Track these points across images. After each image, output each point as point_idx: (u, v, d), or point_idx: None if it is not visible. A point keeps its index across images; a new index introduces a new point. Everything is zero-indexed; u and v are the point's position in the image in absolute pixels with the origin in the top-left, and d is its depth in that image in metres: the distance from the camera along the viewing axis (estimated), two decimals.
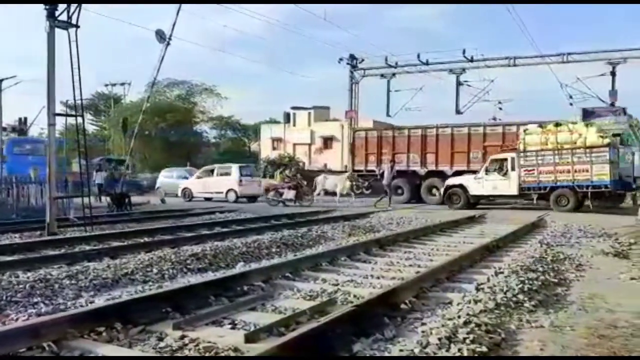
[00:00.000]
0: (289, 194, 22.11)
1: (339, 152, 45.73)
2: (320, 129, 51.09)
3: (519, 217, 15.25)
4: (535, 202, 19.49)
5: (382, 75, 32.90)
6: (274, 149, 51.06)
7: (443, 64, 30.97)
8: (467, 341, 4.01)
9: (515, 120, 23.64)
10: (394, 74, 32.54)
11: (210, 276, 7.01)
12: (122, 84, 50.68)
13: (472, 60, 29.81)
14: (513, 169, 19.28)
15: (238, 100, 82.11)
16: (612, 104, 27.32)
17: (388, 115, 33.85)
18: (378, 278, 6.87)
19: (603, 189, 18.03)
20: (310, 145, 50.51)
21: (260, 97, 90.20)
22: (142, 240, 10.39)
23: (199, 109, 52.67)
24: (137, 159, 38.67)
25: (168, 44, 18.63)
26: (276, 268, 6.98)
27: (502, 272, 6.77)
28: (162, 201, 23.69)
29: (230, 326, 4.73)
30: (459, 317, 4.57)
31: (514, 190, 19.31)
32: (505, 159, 19.70)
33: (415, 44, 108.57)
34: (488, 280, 6.38)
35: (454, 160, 23.56)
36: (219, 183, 25.04)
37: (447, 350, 3.89)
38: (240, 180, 24.51)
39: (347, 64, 33.59)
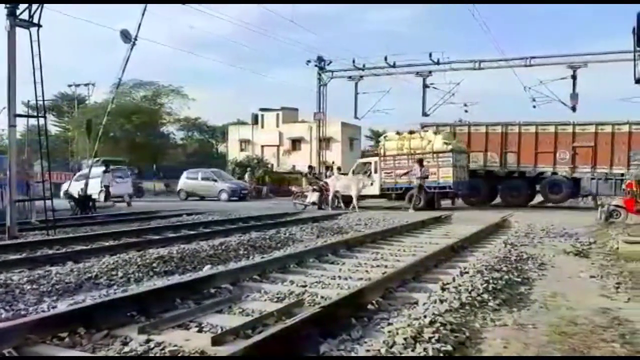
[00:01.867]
0: (313, 197, 21.19)
1: (307, 153, 45.87)
2: (288, 130, 51.24)
3: (483, 218, 15.52)
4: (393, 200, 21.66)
5: (349, 77, 33.01)
6: (242, 150, 50.93)
7: (410, 67, 31.23)
8: (433, 340, 4.07)
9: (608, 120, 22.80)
10: (361, 76, 32.68)
11: (176, 279, 6.93)
12: (87, 85, 49.80)
13: (438, 63, 30.15)
14: (376, 171, 21.33)
15: (205, 102, 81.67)
16: (574, 107, 28.07)
17: (356, 117, 34.01)
18: (345, 279, 6.90)
19: (447, 190, 20.49)
20: (278, 146, 50.57)
21: (228, 98, 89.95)
22: (106, 244, 10.21)
23: (166, 110, 52.17)
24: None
25: (134, 44, 18.38)
26: (243, 270, 6.95)
27: (467, 272, 6.89)
28: (128, 204, 23.35)
29: (196, 329, 4.69)
30: (424, 316, 4.63)
31: (376, 191, 21.41)
32: (370, 163, 22.23)
33: (383, 47, 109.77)
34: (453, 280, 6.48)
35: (537, 160, 22.73)
36: (94, 184, 25.16)
37: (413, 350, 3.94)
38: (112, 181, 25.44)
39: (315, 65, 33.61)
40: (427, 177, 20.05)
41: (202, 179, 30.16)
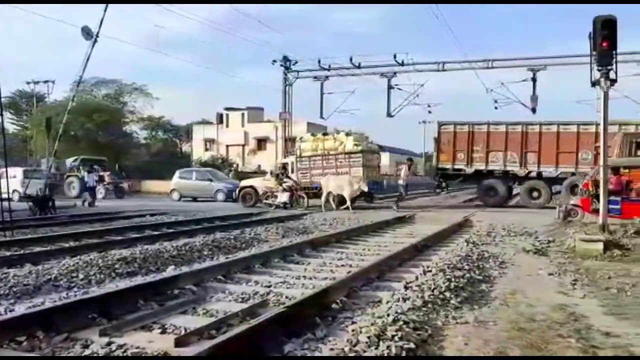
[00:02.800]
0: (283, 197, 20.81)
1: (273, 153, 45.76)
2: (254, 130, 51.11)
3: (446, 217, 15.77)
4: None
5: (315, 78, 33.08)
6: (206, 150, 50.61)
7: (375, 68, 31.50)
8: (396, 338, 4.13)
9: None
10: (327, 77, 32.78)
11: (139, 280, 6.83)
12: (46, 82, 48.44)
13: (402, 65, 30.47)
14: (293, 171, 22.16)
15: (170, 101, 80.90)
16: (533, 109, 28.78)
17: (322, 117, 34.14)
18: (310, 279, 6.93)
19: None
20: (243, 146, 50.39)
21: (194, 97, 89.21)
22: (67, 245, 9.97)
23: (129, 109, 51.31)
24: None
25: (95, 41, 18.03)
26: (208, 271, 6.91)
27: (430, 271, 6.99)
28: (90, 204, 22.81)
29: (160, 331, 4.64)
30: (388, 315, 4.69)
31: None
32: (287, 163, 23.16)
33: (349, 47, 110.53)
34: (417, 278, 6.58)
35: (559, 160, 22.00)
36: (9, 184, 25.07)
37: (377, 348, 3.98)
38: (24, 182, 24.88)
39: (281, 65, 33.58)
40: (415, 175, 20.48)
41: (197, 178, 28.92)
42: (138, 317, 4.91)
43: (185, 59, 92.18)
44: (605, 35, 10.40)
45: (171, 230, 12.43)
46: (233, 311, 5.01)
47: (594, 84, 10.94)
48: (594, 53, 10.71)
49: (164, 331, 4.63)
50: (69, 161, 32.23)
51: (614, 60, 10.66)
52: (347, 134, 22.69)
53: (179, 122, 59.84)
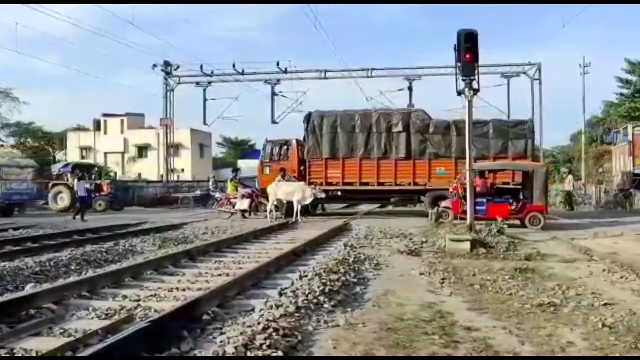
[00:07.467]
0: (243, 204, 19.37)
1: (154, 160, 44.20)
2: (134, 136, 49.09)
3: (328, 222, 16.02)
4: None
5: (197, 83, 32.45)
6: (82, 158, 47.78)
7: (258, 75, 31.52)
8: (264, 347, 4.06)
9: None
10: (209, 82, 32.28)
11: None
12: None
13: (285, 72, 30.75)
14: None
15: (41, 106, 75.60)
16: None
17: (205, 123, 33.55)
18: (184, 290, 6.66)
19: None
20: (123, 153, 48.22)
21: (67, 103, 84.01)
22: None
23: None
24: None
25: None
26: (70, 287, 6.40)
27: (306, 276, 7.03)
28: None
29: (7, 356, 4.21)
30: (258, 323, 4.60)
31: None
32: None
33: (234, 53, 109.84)
34: (292, 284, 6.57)
35: None
36: None
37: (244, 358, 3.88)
38: None
39: (162, 70, 32.58)
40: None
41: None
42: None
43: (58, 62, 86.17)
44: (467, 48, 11.11)
45: (35, 245, 11.46)
46: (93, 329, 4.67)
47: (459, 93, 11.64)
48: (459, 64, 11.39)
49: (11, 356, 4.20)
50: (56, 167, 28.63)
51: (476, 71, 11.41)
52: None
53: (52, 129, 56.12)
